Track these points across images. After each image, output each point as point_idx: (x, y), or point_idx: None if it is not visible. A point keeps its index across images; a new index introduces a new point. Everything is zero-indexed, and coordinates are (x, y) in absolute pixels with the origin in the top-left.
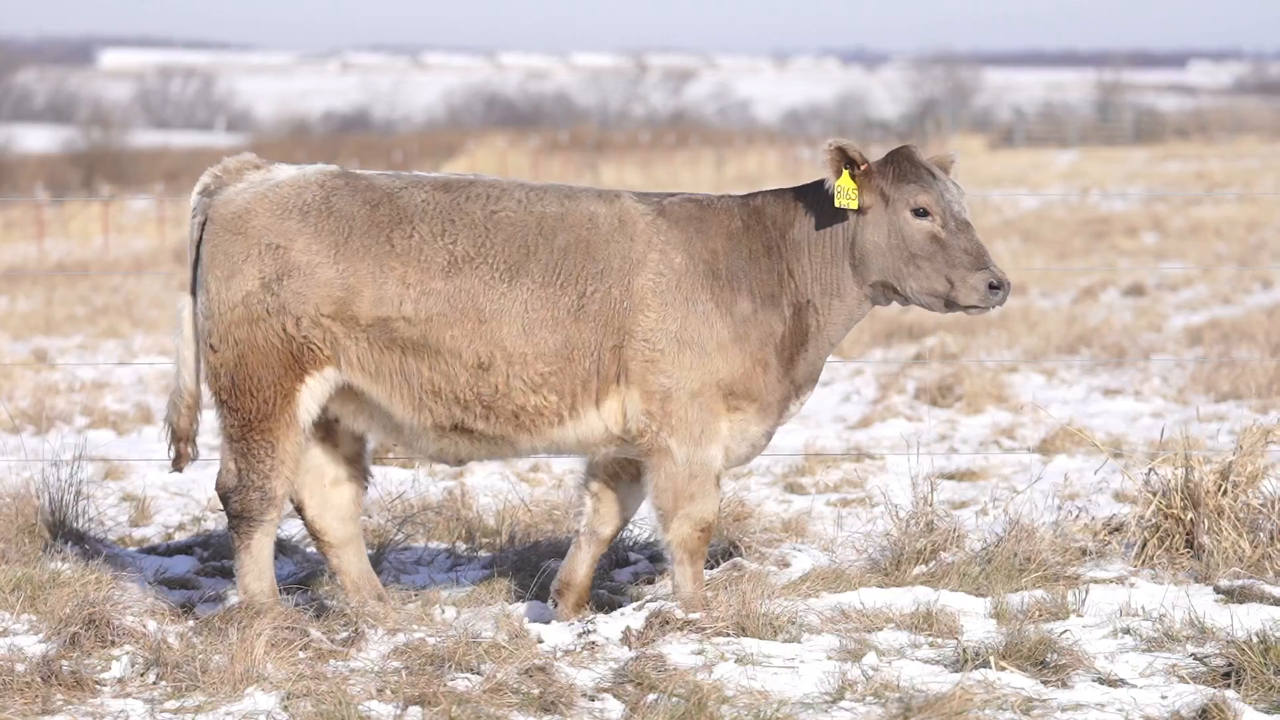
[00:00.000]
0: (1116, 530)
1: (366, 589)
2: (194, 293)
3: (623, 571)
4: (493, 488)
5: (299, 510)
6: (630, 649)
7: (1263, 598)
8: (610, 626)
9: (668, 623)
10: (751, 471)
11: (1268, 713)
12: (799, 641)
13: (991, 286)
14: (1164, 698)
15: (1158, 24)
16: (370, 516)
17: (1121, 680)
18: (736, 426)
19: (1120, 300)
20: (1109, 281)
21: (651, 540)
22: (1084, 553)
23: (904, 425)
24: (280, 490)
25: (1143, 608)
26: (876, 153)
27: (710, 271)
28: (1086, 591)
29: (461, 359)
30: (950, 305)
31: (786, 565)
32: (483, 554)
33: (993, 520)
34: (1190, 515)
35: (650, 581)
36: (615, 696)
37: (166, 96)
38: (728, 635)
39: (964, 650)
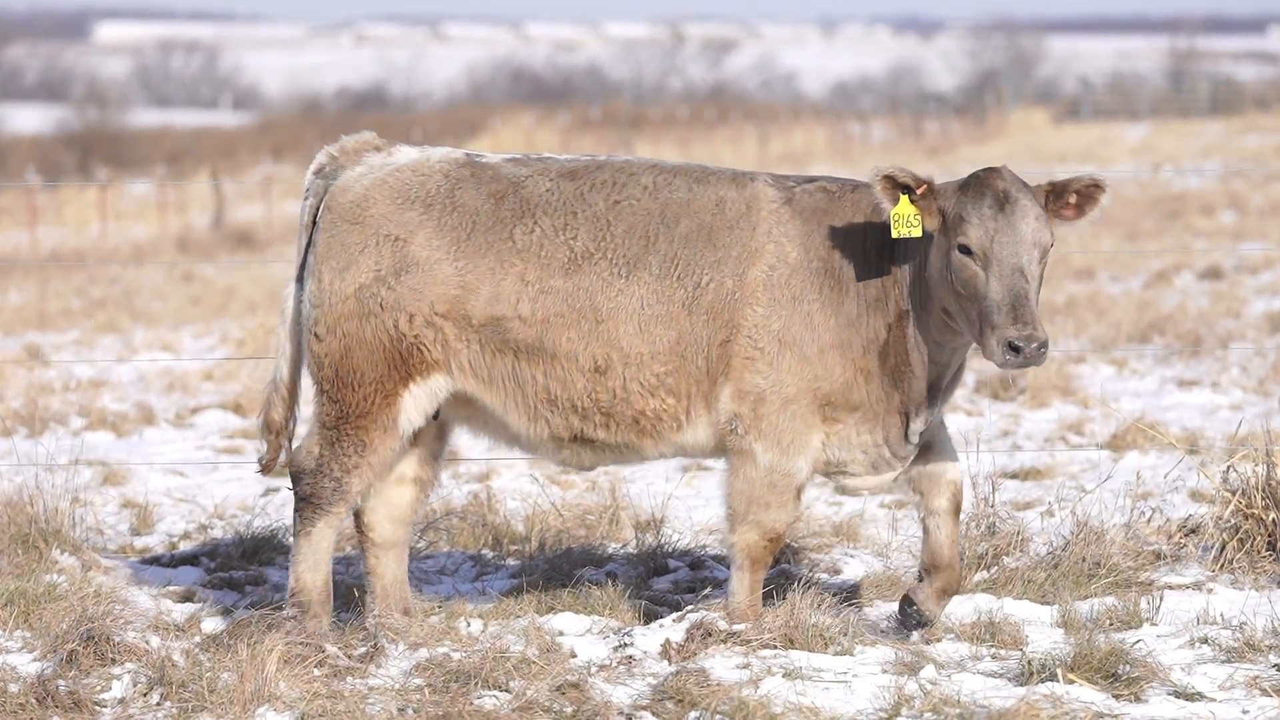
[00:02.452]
0: (1193, 532)
1: (395, 599)
2: (300, 280)
3: (661, 579)
4: (521, 490)
5: None
6: (670, 663)
7: None
8: (649, 639)
9: (710, 634)
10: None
11: None
12: (851, 654)
13: (1011, 347)
14: (1245, 712)
15: None
16: None
17: (1199, 694)
18: (837, 437)
19: (1196, 284)
20: (1183, 264)
21: (692, 547)
22: (1158, 556)
23: (964, 420)
24: (356, 488)
25: (1222, 615)
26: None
27: (824, 269)
28: (1161, 598)
29: (578, 362)
30: (984, 356)
31: (838, 572)
32: (511, 562)
33: (1059, 522)
34: (1273, 516)
35: (691, 590)
36: (654, 714)
37: (168, 72)
38: (775, 648)
39: (1029, 662)
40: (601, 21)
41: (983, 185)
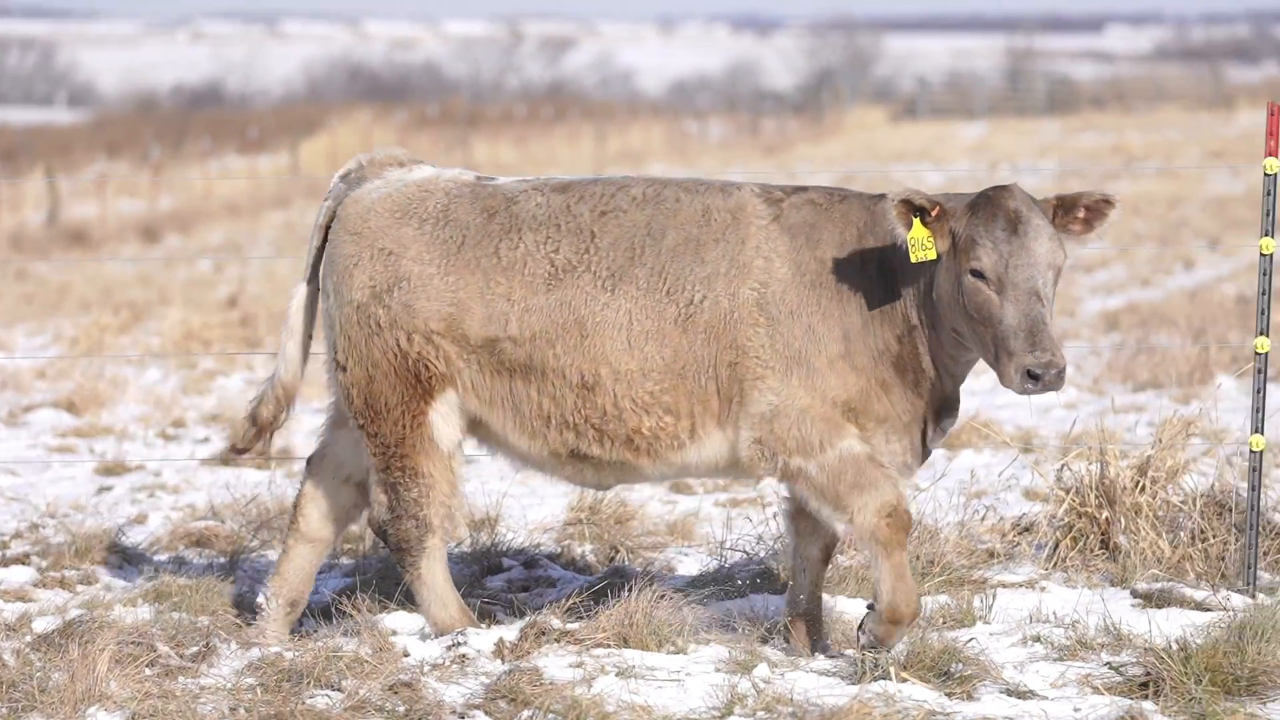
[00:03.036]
0: (1026, 530)
1: (292, 587)
2: (309, 280)
3: (495, 578)
4: None
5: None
6: (504, 662)
7: (1183, 602)
8: (482, 638)
9: (544, 633)
10: None
11: None
12: (685, 653)
13: (1029, 374)
14: (1077, 710)
15: None
16: (223, 521)
17: (1031, 692)
18: (874, 443)
19: None
20: None
21: (526, 545)
22: (991, 555)
23: None
24: (436, 516)
25: (1054, 613)
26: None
27: (817, 283)
28: (994, 596)
29: (566, 378)
30: (999, 379)
31: (672, 571)
32: (344, 561)
33: None
34: (1106, 514)
35: (525, 589)
36: (487, 713)
37: (1, 69)
38: (608, 646)
39: (862, 660)
40: (440, 19)
41: (994, 206)
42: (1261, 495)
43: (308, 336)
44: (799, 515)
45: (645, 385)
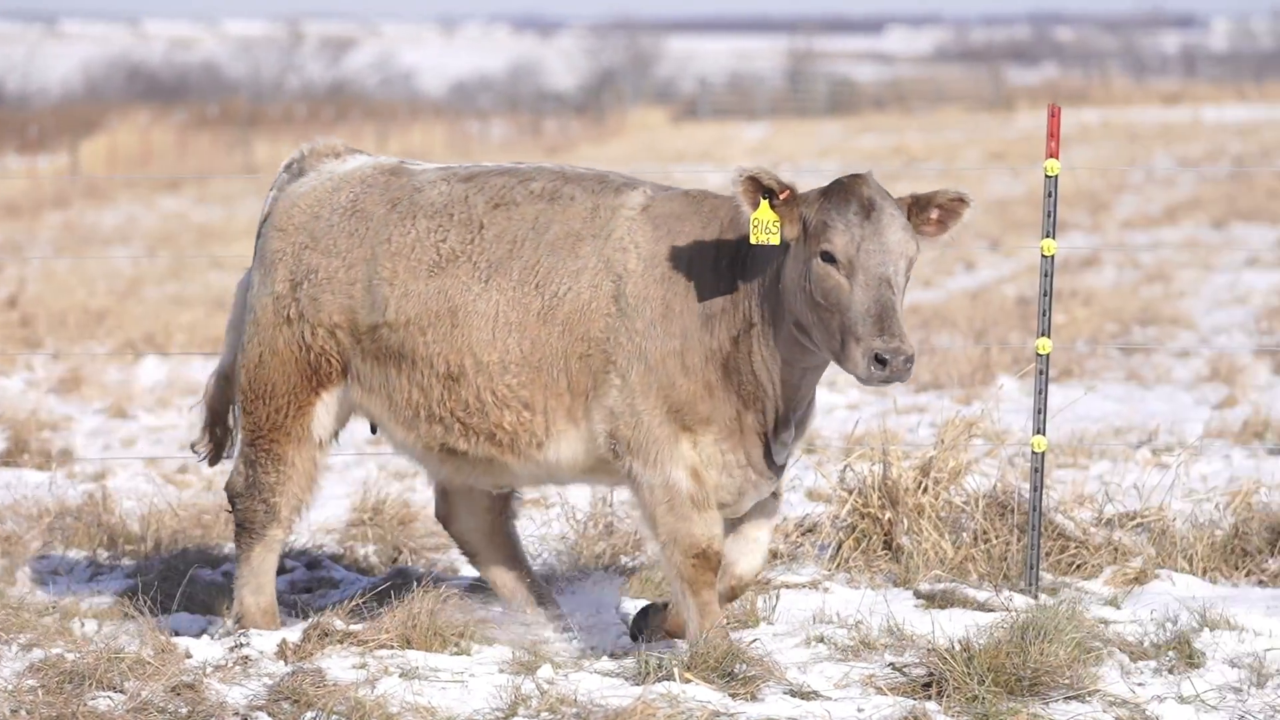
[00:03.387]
0: (809, 531)
1: (521, 597)
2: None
3: (279, 580)
4: (138, 490)
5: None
6: (286, 663)
7: (965, 602)
8: (265, 639)
9: (327, 635)
10: (417, 472)
11: None
12: (469, 654)
13: (877, 359)
14: (860, 710)
15: None
16: (4, 522)
17: (815, 692)
18: (704, 451)
19: None
20: None
21: (309, 547)
22: (775, 556)
23: None
24: (286, 507)
25: (838, 614)
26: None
27: (665, 277)
28: (777, 597)
29: (433, 368)
30: (843, 369)
31: (455, 572)
32: (126, 562)
33: None
34: (888, 515)
35: (309, 590)
36: (270, 714)
37: None
38: (392, 647)
39: (646, 661)
40: (219, 19)
41: (847, 192)
42: (1043, 496)
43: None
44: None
45: (504, 379)
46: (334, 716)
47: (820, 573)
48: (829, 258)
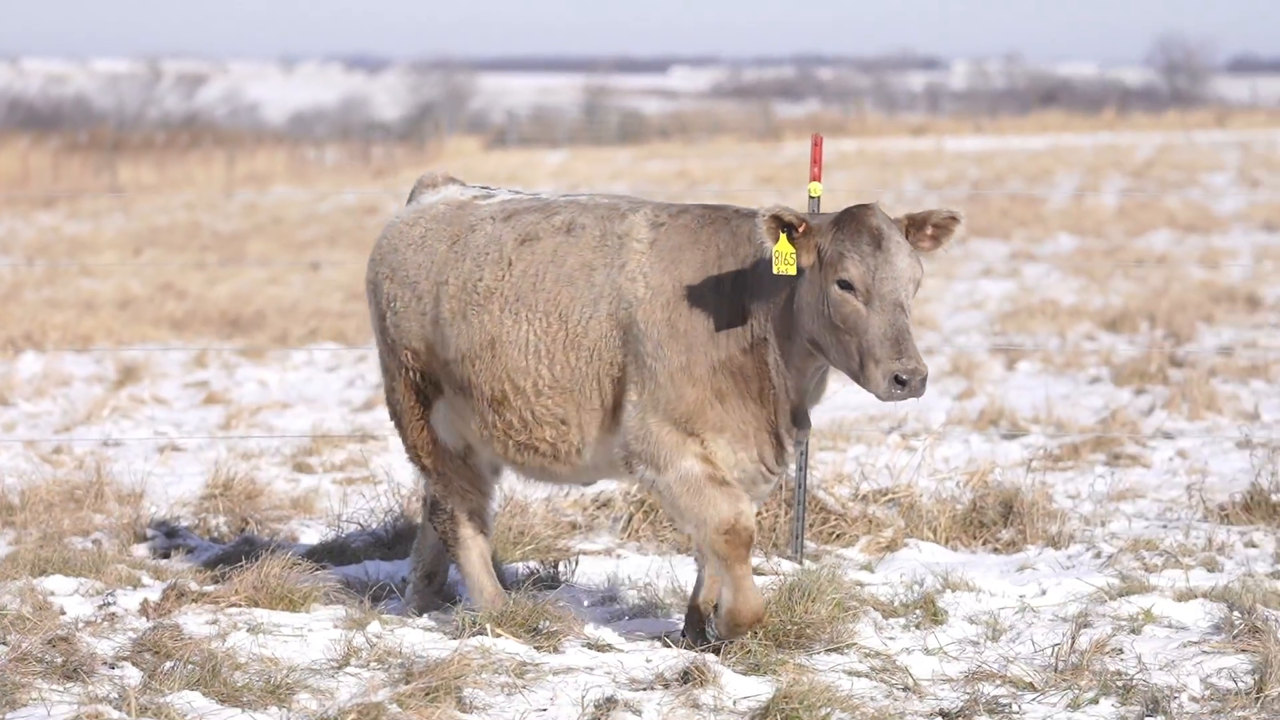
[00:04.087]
0: (605, 506)
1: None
2: None
3: (140, 546)
4: (18, 468)
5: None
6: (148, 619)
7: None
8: (129, 599)
9: (183, 595)
10: (262, 453)
11: (744, 674)
12: (308, 611)
13: (896, 380)
14: (649, 661)
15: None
16: None
17: (609, 645)
18: (718, 454)
19: None
20: None
21: (168, 518)
22: (574, 526)
23: None
24: (462, 509)
25: (629, 578)
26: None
27: (669, 303)
28: (577, 563)
29: (483, 395)
30: (861, 385)
31: (296, 540)
32: (8, 531)
33: None
34: None
35: (166, 556)
36: (134, 664)
37: None
38: (240, 606)
39: (463, 618)
40: (90, 57)
41: (858, 223)
42: (807, 475)
43: None
44: None
45: (540, 401)
46: (190, 666)
47: (614, 541)
48: (846, 285)
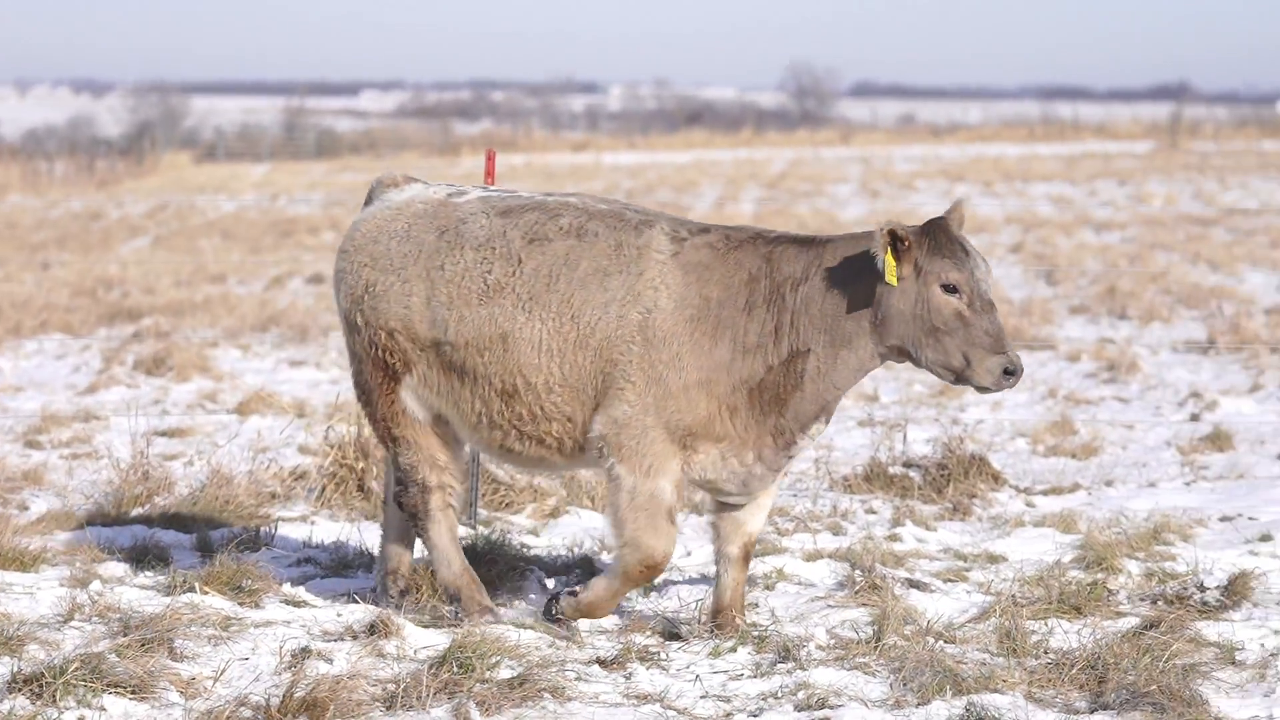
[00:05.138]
0: (301, 478)
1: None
2: None
3: None
4: None
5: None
6: None
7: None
8: None
9: None
10: None
11: (424, 627)
12: (37, 572)
13: (1006, 371)
14: (339, 615)
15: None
16: None
17: (305, 602)
18: (707, 460)
19: (304, 287)
20: (294, 272)
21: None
22: (274, 496)
23: (125, 391)
24: (433, 479)
25: (323, 541)
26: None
27: (695, 318)
28: (276, 528)
29: (492, 384)
30: (961, 380)
31: (26, 509)
32: None
33: (199, 470)
34: (361, 465)
35: None
36: None
37: None
38: None
39: (175, 577)
40: None
41: (945, 232)
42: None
43: None
44: (720, 517)
45: (550, 397)
46: None
47: (309, 509)
48: (951, 289)
